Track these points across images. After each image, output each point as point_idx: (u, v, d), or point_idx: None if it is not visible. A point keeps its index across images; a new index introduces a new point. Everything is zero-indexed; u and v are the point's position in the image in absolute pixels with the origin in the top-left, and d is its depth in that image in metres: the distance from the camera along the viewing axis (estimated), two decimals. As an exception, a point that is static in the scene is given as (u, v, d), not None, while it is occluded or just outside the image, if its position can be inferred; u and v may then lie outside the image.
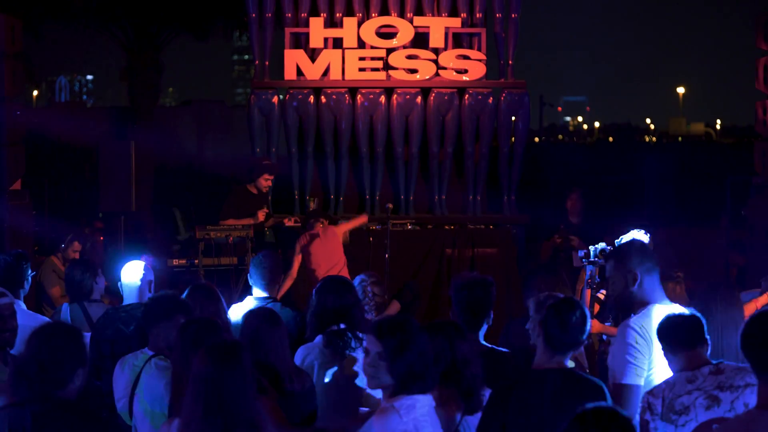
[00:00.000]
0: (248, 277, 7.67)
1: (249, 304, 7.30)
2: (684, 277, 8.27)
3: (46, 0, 21.31)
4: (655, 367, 5.28)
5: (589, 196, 12.24)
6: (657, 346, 5.22)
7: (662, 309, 5.36)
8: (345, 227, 11.42)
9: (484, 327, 6.04)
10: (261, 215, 11.81)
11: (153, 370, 5.66)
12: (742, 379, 4.98)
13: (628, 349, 5.28)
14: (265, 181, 12.01)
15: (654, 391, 5.04)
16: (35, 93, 66.30)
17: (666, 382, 5.06)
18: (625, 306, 5.52)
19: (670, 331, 5.07)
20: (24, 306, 7.12)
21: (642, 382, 5.24)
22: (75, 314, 7.42)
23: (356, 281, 7.82)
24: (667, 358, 5.11)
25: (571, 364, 5.16)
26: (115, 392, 5.81)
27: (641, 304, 5.44)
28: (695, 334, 5.07)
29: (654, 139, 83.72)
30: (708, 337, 5.13)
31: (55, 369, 4.49)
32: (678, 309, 5.36)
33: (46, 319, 7.07)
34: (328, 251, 10.96)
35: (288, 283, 10.73)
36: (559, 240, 11.62)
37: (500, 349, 6.20)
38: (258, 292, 7.51)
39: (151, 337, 5.84)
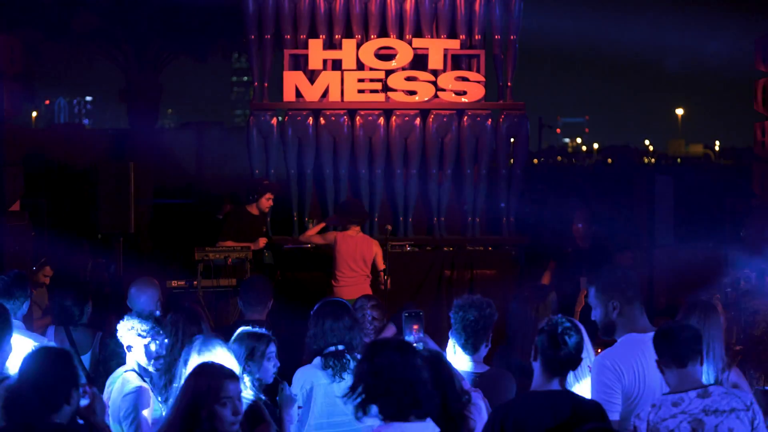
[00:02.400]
0: (238, 300, 7.73)
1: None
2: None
3: (45, 21, 21.34)
4: (633, 396, 5.29)
5: (593, 217, 12.19)
6: (631, 376, 5.28)
7: (636, 338, 5.38)
8: (380, 256, 11.34)
9: (482, 348, 5.99)
10: (261, 242, 11.79)
11: (118, 385, 5.75)
12: (728, 404, 4.99)
13: (599, 386, 5.32)
14: (267, 201, 11.98)
15: (640, 415, 5.07)
16: (34, 114, 66.35)
17: (652, 405, 5.06)
18: (608, 334, 5.55)
19: (664, 343, 5.08)
20: (23, 326, 7.10)
21: (618, 417, 5.26)
22: (59, 339, 7.43)
23: (356, 305, 7.83)
24: (660, 370, 5.12)
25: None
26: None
27: (622, 333, 5.47)
28: (689, 349, 5.07)
29: (653, 160, 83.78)
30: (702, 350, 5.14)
31: (51, 393, 4.47)
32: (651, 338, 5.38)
33: (44, 339, 7.05)
34: (357, 258, 11.05)
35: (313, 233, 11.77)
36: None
37: (500, 369, 6.16)
38: (248, 315, 7.56)
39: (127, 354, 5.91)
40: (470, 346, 5.92)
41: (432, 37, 13.51)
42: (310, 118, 13.32)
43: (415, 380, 4.43)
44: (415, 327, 5.83)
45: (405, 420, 4.40)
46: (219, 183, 21.62)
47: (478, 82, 13.38)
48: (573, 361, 5.01)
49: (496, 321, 6.06)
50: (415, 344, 5.78)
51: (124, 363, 6.19)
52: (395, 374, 4.41)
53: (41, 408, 4.45)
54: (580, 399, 5.09)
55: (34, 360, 4.57)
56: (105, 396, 5.90)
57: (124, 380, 5.79)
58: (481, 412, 5.22)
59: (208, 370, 4.71)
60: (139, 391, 5.72)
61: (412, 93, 13.34)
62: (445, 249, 13.16)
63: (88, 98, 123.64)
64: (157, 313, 7.10)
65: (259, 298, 7.57)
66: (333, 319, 6.30)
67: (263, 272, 11.56)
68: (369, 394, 4.42)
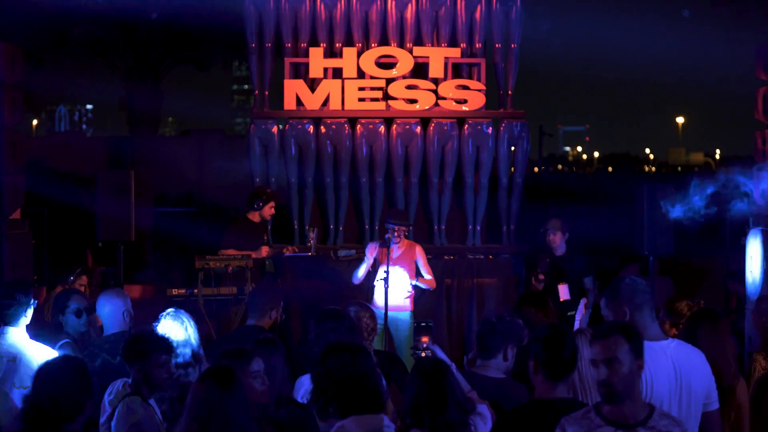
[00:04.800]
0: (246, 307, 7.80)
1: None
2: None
3: (47, 30, 21.39)
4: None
5: (581, 225, 12.20)
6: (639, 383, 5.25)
7: (646, 345, 5.37)
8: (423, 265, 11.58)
9: (499, 358, 6.03)
10: (264, 251, 11.80)
11: (122, 410, 5.71)
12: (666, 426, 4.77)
13: None
14: (270, 210, 12.03)
15: None
16: (35, 122, 66.37)
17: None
18: None
19: None
20: (26, 334, 7.10)
21: None
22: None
23: (351, 312, 7.81)
24: None
25: None
26: (101, 416, 5.88)
27: None
28: None
29: (653, 168, 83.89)
30: None
31: (68, 404, 4.53)
32: (661, 346, 5.39)
33: (48, 347, 7.04)
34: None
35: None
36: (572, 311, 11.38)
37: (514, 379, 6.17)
38: (251, 320, 7.64)
39: (132, 374, 5.87)
40: (485, 355, 5.99)
41: (432, 45, 13.52)
42: (311, 126, 13.33)
43: (366, 377, 4.69)
44: (424, 339, 5.88)
45: (360, 413, 4.63)
46: (220, 191, 21.67)
47: (479, 90, 13.38)
48: (572, 363, 5.04)
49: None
50: (423, 353, 5.84)
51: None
52: (346, 373, 4.65)
53: (57, 418, 4.50)
54: (584, 405, 5.09)
55: (51, 370, 4.62)
56: (107, 407, 5.87)
57: (128, 408, 5.76)
58: (487, 422, 5.24)
59: None
60: (143, 421, 5.70)
61: (413, 101, 13.34)
62: (446, 257, 13.16)
63: (89, 106, 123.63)
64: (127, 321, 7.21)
65: (257, 306, 7.62)
66: (334, 321, 6.36)
67: (264, 280, 11.58)
68: (326, 394, 4.65)
